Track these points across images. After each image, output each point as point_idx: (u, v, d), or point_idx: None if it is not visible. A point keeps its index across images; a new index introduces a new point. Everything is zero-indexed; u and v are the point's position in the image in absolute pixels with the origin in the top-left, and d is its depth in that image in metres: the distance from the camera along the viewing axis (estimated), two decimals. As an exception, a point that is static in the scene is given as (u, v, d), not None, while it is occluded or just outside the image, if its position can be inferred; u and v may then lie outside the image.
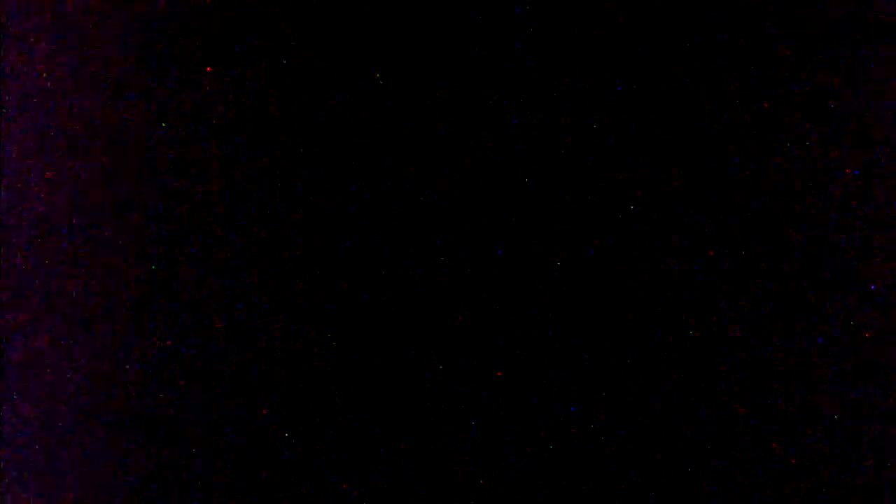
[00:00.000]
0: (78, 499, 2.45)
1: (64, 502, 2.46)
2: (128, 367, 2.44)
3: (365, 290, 2.39)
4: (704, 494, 2.32)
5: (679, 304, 2.33)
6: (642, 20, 2.35)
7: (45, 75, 2.48)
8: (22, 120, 2.49)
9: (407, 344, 2.38)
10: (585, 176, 2.36)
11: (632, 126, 2.35)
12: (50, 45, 2.48)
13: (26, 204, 2.48)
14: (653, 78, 2.34)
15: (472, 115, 2.38)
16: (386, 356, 2.38)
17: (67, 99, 2.47)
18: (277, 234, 2.41)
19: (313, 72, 2.40)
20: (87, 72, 2.47)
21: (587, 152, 2.36)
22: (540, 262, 2.36)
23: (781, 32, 2.33)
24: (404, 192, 2.39)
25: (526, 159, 2.36)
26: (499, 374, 2.36)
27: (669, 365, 2.33)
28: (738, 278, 2.33)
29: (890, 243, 2.31)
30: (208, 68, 2.43)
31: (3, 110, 2.48)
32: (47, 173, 2.47)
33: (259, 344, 2.41)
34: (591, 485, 2.34)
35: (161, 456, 2.43)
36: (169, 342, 2.43)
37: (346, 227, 2.40)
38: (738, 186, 2.33)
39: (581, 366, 2.35)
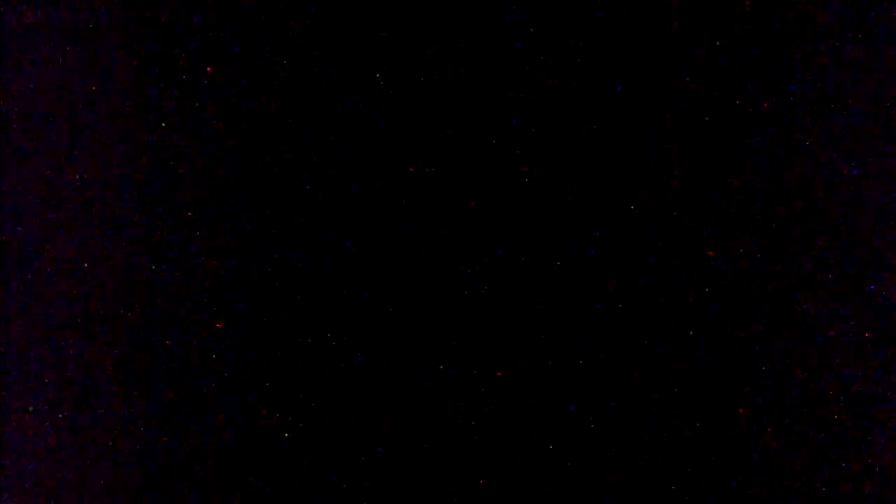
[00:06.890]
0: (78, 499, 2.45)
1: (64, 502, 2.46)
2: (128, 367, 2.44)
3: (365, 289, 2.39)
4: (705, 495, 2.32)
5: (678, 304, 2.33)
6: (642, 20, 2.35)
7: (45, 75, 2.48)
8: (22, 120, 2.49)
9: (407, 344, 2.38)
10: (585, 176, 2.36)
11: (631, 126, 2.35)
12: (50, 45, 2.48)
13: (26, 204, 2.48)
14: (652, 78, 2.34)
15: (472, 115, 2.38)
16: (386, 356, 2.38)
17: (67, 99, 2.47)
18: (278, 234, 2.41)
19: (313, 72, 2.40)
20: (88, 72, 2.47)
21: (587, 152, 2.36)
22: (540, 262, 2.36)
23: (781, 32, 2.33)
24: (404, 192, 2.39)
25: (526, 159, 2.36)
26: (499, 374, 2.36)
27: (669, 365, 2.33)
28: (738, 278, 2.33)
29: (890, 243, 2.31)
30: (208, 68, 2.43)
31: (3, 110, 2.48)
32: (47, 173, 2.47)
33: (259, 344, 2.41)
34: (592, 485, 2.34)
35: (161, 456, 2.43)
36: (169, 342, 2.43)
37: (346, 227, 2.40)
38: (737, 186, 2.33)
39: (581, 366, 2.35)
